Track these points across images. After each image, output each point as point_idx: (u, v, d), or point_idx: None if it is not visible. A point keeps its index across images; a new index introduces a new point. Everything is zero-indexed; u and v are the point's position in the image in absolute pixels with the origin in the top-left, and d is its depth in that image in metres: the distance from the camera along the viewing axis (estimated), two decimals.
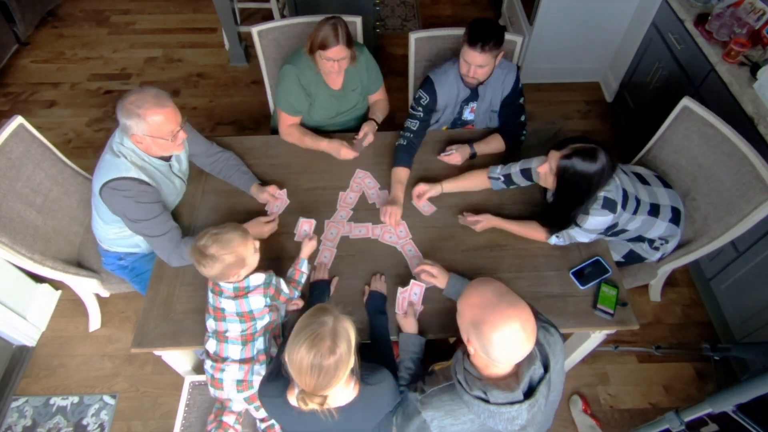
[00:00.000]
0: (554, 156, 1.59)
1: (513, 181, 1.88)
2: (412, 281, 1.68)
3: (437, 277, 1.64)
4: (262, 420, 1.76)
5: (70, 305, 2.44)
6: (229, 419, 1.70)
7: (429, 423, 1.20)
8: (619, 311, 1.65)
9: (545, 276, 1.75)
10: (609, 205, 1.65)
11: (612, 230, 1.79)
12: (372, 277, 1.73)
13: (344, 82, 2.11)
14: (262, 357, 1.59)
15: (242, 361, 1.57)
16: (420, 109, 2.04)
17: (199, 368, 2.06)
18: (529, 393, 1.15)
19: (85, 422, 2.11)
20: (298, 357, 1.13)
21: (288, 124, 2.12)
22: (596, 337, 1.82)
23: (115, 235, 1.84)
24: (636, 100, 3.01)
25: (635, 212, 1.78)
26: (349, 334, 1.18)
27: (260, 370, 1.58)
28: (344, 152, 2.02)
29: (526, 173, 1.84)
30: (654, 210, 1.84)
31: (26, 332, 2.28)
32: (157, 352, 1.72)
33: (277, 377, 1.31)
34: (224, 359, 1.57)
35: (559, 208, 1.71)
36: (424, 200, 1.91)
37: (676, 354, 2.30)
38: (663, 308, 2.46)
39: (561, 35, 3.16)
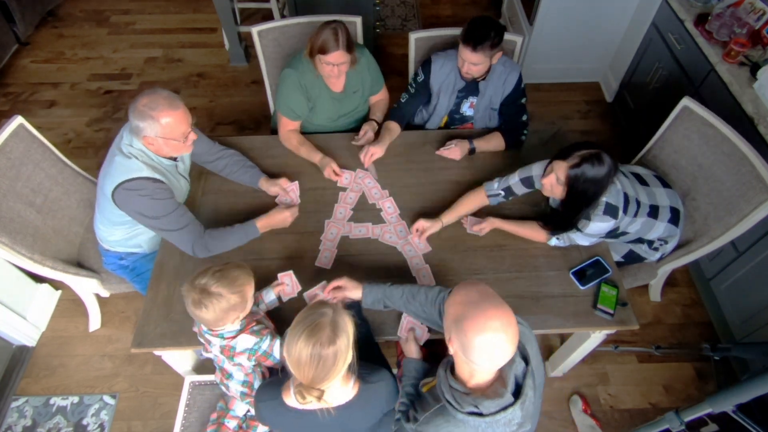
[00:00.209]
0: (561, 166, 1.57)
1: (513, 192, 1.85)
2: (327, 287, 1.60)
3: (347, 288, 1.56)
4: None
5: (70, 305, 2.44)
6: (230, 423, 1.70)
7: None
8: (619, 311, 1.65)
9: (545, 276, 1.75)
10: (611, 210, 1.65)
11: (612, 233, 1.79)
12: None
13: (345, 85, 2.10)
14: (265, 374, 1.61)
15: (245, 384, 1.58)
16: (414, 85, 2.13)
17: (199, 368, 2.06)
18: (518, 391, 1.15)
19: (85, 422, 2.11)
20: (296, 348, 1.12)
21: (287, 129, 2.11)
22: (596, 337, 1.82)
23: (120, 236, 1.84)
24: (636, 100, 3.01)
25: (636, 215, 1.78)
26: (348, 327, 1.18)
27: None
28: (327, 171, 1.99)
29: (527, 181, 1.81)
30: (653, 211, 1.84)
31: (26, 332, 2.28)
32: (157, 352, 1.72)
33: (273, 382, 1.31)
34: (229, 375, 1.59)
35: (565, 215, 1.70)
36: (424, 238, 1.81)
37: (676, 354, 2.30)
38: (663, 308, 2.46)
39: (561, 35, 3.16)
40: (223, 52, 3.74)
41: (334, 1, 2.92)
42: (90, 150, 3.11)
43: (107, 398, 2.18)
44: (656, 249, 1.94)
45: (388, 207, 1.94)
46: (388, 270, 1.77)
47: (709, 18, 2.34)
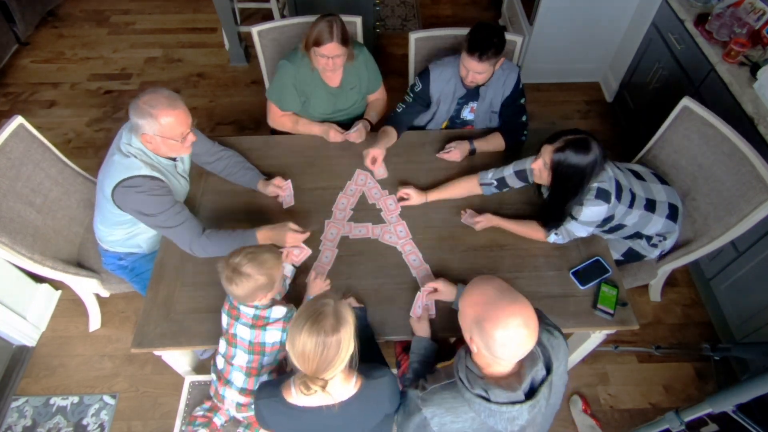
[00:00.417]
0: (547, 150, 1.60)
1: (507, 184, 1.87)
2: (423, 289, 1.66)
3: (443, 292, 1.62)
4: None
5: (70, 305, 2.44)
6: (219, 420, 1.70)
7: (429, 420, 1.20)
8: (619, 311, 1.65)
9: (545, 276, 1.75)
10: (602, 195, 1.65)
11: (609, 224, 1.79)
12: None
13: (342, 80, 2.11)
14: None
15: (243, 391, 1.57)
16: (411, 95, 2.11)
17: (199, 368, 2.06)
18: (531, 394, 1.15)
19: (85, 422, 2.11)
20: (300, 338, 1.14)
21: (278, 116, 2.15)
22: (596, 337, 1.82)
23: (120, 236, 1.84)
24: (636, 100, 3.01)
25: (631, 205, 1.77)
26: (349, 317, 1.19)
27: None
28: (332, 134, 2.06)
29: (521, 174, 1.83)
30: (650, 205, 1.84)
31: (26, 332, 2.28)
32: (157, 352, 1.72)
33: (272, 382, 1.32)
34: (228, 381, 1.58)
35: (554, 203, 1.72)
36: (402, 203, 1.90)
37: (676, 354, 2.30)
38: (663, 308, 2.46)
39: (561, 35, 3.16)
40: (223, 52, 3.74)
41: (334, 1, 2.92)
42: (90, 150, 3.12)
43: (107, 398, 2.18)
44: (655, 245, 1.94)
45: (390, 204, 1.94)
46: (388, 270, 1.77)
47: (709, 18, 2.34)
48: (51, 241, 1.98)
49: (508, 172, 1.85)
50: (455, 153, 2.03)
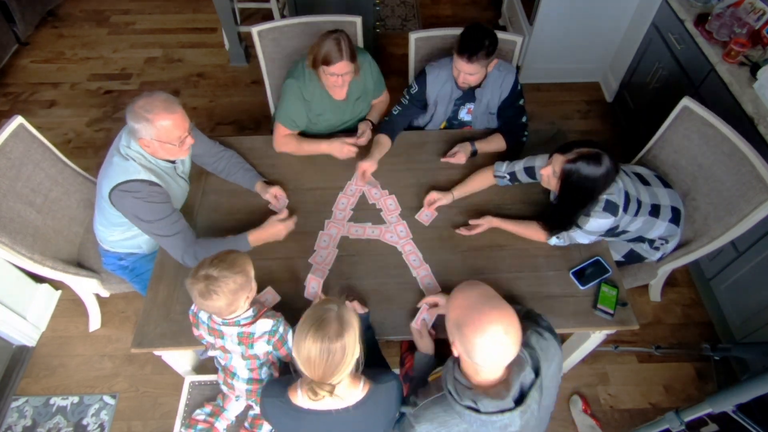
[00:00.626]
0: (558, 160, 1.59)
1: (517, 178, 1.89)
2: (423, 301, 1.64)
3: (443, 307, 1.59)
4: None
5: (70, 305, 2.44)
6: (221, 425, 1.69)
7: None
8: (619, 311, 1.65)
9: (545, 276, 1.75)
10: (610, 208, 1.65)
11: (613, 232, 1.79)
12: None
13: (348, 92, 2.08)
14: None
15: (250, 381, 1.58)
16: (407, 97, 2.11)
17: (199, 368, 2.06)
18: (521, 399, 1.14)
19: (85, 422, 2.11)
20: (305, 345, 1.13)
21: (283, 135, 2.08)
22: (596, 337, 1.82)
23: (120, 237, 1.85)
24: (636, 100, 3.01)
25: (636, 214, 1.78)
26: (353, 321, 1.19)
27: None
28: (346, 150, 2.02)
29: (530, 171, 1.84)
30: (654, 210, 1.84)
31: (26, 332, 2.28)
32: (157, 352, 1.72)
33: (281, 380, 1.31)
34: (234, 374, 1.58)
35: (561, 211, 1.72)
36: (433, 208, 1.89)
37: (676, 354, 2.30)
38: (663, 308, 2.46)
39: (561, 35, 3.16)
40: (223, 52, 3.74)
41: (334, 1, 2.92)
42: (90, 150, 3.11)
43: (107, 398, 2.18)
44: (657, 248, 1.94)
45: (390, 204, 1.94)
46: (388, 270, 1.77)
47: (709, 18, 2.34)
48: (51, 241, 1.98)
49: (518, 167, 1.87)
50: (461, 156, 2.03)
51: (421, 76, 2.07)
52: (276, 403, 1.27)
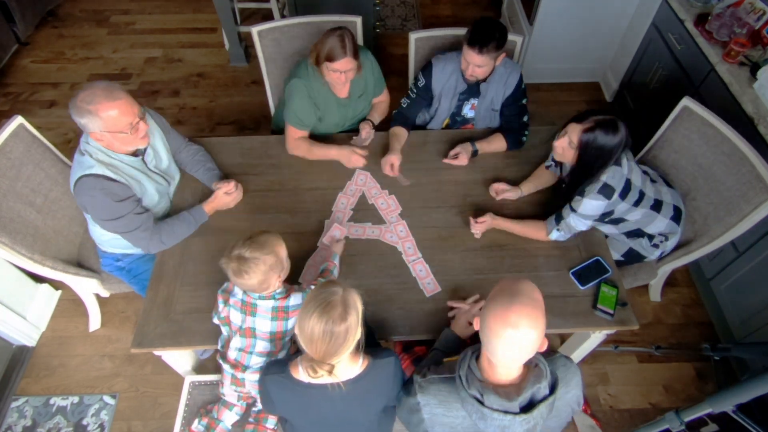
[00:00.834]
0: (575, 129, 1.59)
1: (555, 160, 1.90)
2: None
3: (465, 311, 1.61)
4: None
5: (70, 305, 2.44)
6: None
7: (422, 406, 1.22)
8: (619, 311, 1.65)
9: (545, 276, 1.75)
10: (605, 190, 1.66)
11: (609, 217, 1.79)
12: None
13: (350, 90, 2.09)
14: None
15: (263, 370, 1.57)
16: (415, 90, 2.12)
17: (199, 368, 2.06)
18: (528, 409, 1.13)
19: (85, 422, 2.11)
20: (309, 324, 1.16)
21: (295, 138, 2.07)
22: (596, 337, 1.82)
23: (110, 235, 1.83)
24: (636, 100, 3.01)
25: (636, 204, 1.77)
26: (357, 305, 1.21)
27: None
28: (355, 159, 2.02)
29: None
30: (657, 205, 1.85)
31: (26, 332, 2.28)
32: (157, 352, 1.72)
33: (280, 360, 1.34)
34: (246, 367, 1.57)
35: (575, 180, 1.71)
36: (501, 197, 1.92)
37: (676, 354, 2.30)
38: (663, 308, 2.46)
39: (561, 35, 3.16)
40: (223, 52, 3.74)
41: (334, 1, 2.92)
42: None
43: (107, 398, 2.18)
44: (656, 246, 1.94)
45: (392, 204, 1.94)
46: (388, 270, 1.77)
47: (709, 18, 2.34)
48: (51, 241, 1.98)
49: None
50: (463, 158, 2.03)
51: (427, 67, 2.07)
52: (278, 379, 1.30)
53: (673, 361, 2.29)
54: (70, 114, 1.55)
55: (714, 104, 2.10)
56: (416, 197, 1.97)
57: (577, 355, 1.99)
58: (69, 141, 3.16)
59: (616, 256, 1.98)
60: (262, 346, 1.55)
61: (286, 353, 1.60)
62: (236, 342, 1.57)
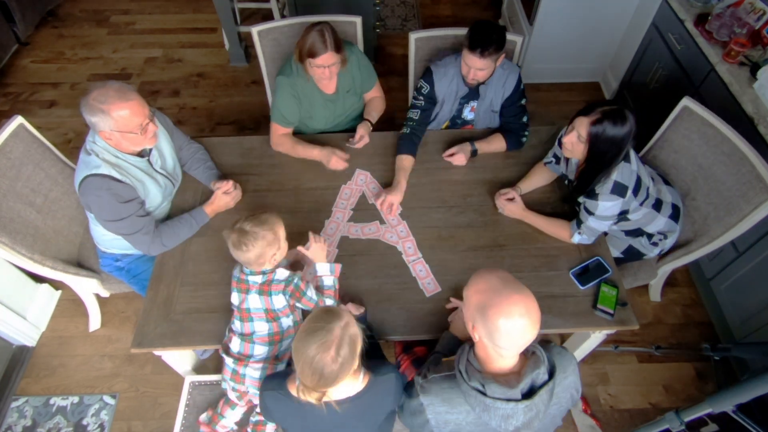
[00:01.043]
0: (583, 122, 1.57)
1: (557, 156, 1.90)
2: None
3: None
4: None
5: (70, 305, 2.44)
6: None
7: (426, 407, 1.21)
8: (619, 311, 1.65)
9: (545, 276, 1.75)
10: (618, 189, 1.65)
11: (624, 216, 1.80)
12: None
13: (337, 86, 2.09)
14: (286, 356, 1.60)
15: (267, 360, 1.57)
16: (421, 98, 2.07)
17: (199, 368, 2.06)
18: (529, 395, 1.15)
19: (85, 422, 2.11)
20: (302, 354, 1.14)
21: (279, 134, 2.08)
22: (596, 337, 1.82)
23: (112, 235, 1.83)
24: (636, 100, 3.01)
25: (642, 203, 1.78)
26: (355, 341, 1.18)
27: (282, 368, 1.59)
28: (334, 161, 2.00)
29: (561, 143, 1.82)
30: (657, 204, 1.85)
31: (26, 332, 2.28)
32: (157, 352, 1.72)
33: (279, 374, 1.33)
34: (249, 356, 1.57)
35: (587, 176, 1.70)
36: (503, 199, 1.89)
37: (676, 354, 2.30)
38: (663, 308, 2.46)
39: (561, 35, 3.16)
40: (223, 52, 3.74)
41: (334, 1, 2.92)
42: None
43: (107, 398, 2.18)
44: (655, 244, 1.94)
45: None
46: (388, 270, 1.77)
47: (709, 18, 2.34)
48: (51, 241, 1.98)
49: (555, 146, 1.89)
50: (460, 157, 2.03)
51: (427, 75, 2.05)
52: (276, 395, 1.29)
53: (673, 361, 2.29)
54: (81, 112, 1.56)
55: (714, 104, 2.10)
56: (416, 197, 1.97)
57: (577, 355, 1.99)
58: (69, 141, 3.16)
59: (616, 253, 1.98)
60: (261, 328, 1.55)
61: (291, 320, 1.60)
62: (237, 326, 1.57)
